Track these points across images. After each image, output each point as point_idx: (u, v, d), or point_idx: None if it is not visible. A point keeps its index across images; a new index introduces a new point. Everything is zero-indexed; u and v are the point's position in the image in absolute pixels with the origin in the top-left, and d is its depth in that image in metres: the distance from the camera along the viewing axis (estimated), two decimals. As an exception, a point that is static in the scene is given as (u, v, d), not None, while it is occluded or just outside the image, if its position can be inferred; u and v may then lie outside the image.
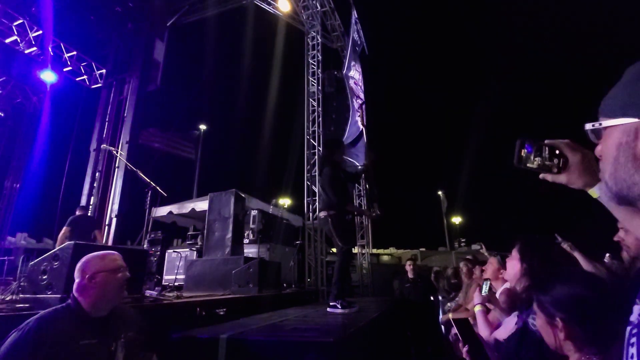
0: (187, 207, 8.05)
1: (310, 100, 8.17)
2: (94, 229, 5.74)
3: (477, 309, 1.84)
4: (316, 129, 7.96)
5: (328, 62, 8.97)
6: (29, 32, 6.39)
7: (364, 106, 8.37)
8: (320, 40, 8.64)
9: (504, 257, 2.07)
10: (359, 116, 8.04)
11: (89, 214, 6.15)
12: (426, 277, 4.89)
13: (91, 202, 7.08)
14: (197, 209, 7.74)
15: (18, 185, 8.21)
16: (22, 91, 7.75)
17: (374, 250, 12.57)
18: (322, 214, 3.28)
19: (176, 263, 6.19)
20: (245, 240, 5.99)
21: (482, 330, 1.74)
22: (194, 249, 6.28)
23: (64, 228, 5.60)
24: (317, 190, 7.00)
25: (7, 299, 2.17)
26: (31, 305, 2.09)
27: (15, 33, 6.39)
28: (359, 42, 8.74)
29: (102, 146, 6.09)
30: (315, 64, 8.42)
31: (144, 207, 5.74)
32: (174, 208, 8.05)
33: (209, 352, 1.90)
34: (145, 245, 6.31)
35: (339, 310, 2.96)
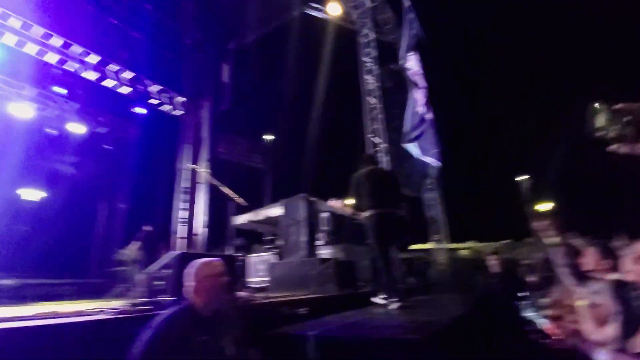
0: (262, 214, 8.62)
1: (368, 98, 8.15)
2: (160, 242, 6.78)
3: None
4: (378, 126, 7.91)
5: (384, 57, 8.82)
6: (123, 75, 7.54)
7: (427, 94, 8.05)
8: (373, 36, 8.56)
9: (604, 245, 1.86)
10: (423, 105, 7.76)
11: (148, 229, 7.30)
12: (512, 271, 4.53)
13: (180, 216, 7.99)
14: (271, 215, 8.25)
15: (124, 206, 9.73)
16: (122, 126, 9.16)
17: (451, 245, 11.94)
18: None
19: (258, 266, 6.69)
20: (320, 242, 6.21)
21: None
22: (273, 252, 6.71)
23: (136, 242, 6.89)
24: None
25: (133, 302, 2.62)
26: (152, 307, 2.49)
27: (113, 77, 7.57)
28: (414, 31, 8.45)
29: (188, 166, 6.91)
30: (370, 61, 8.37)
31: (226, 217, 6.33)
32: (251, 216, 8.69)
33: (298, 348, 2.06)
34: (230, 252, 6.94)
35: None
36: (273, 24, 8.73)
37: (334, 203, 3.97)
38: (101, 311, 2.41)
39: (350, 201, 3.78)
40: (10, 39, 6.65)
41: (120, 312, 2.41)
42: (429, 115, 7.88)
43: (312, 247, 6.13)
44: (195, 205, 7.64)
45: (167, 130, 8.93)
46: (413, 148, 7.18)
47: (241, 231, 9.02)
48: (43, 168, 8.61)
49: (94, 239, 9.59)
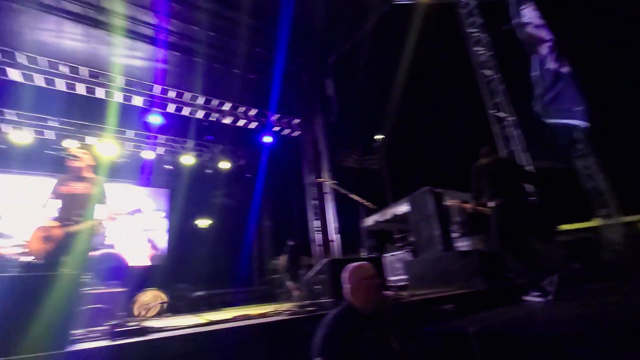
0: (388, 213, 8.73)
1: (483, 71, 7.38)
2: (301, 254, 7.48)
3: None
4: (501, 98, 7.08)
5: (492, 22, 7.87)
6: (250, 113, 8.92)
7: (557, 46, 6.82)
8: (474, 2, 7.76)
9: None
10: (554, 61, 6.61)
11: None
12: None
13: (315, 225, 8.78)
14: (398, 213, 8.27)
15: (269, 223, 11.33)
16: (255, 155, 10.75)
17: (627, 218, 9.50)
18: None
19: (394, 265, 6.80)
20: (455, 235, 5.92)
21: None
22: (407, 250, 6.72)
23: (285, 255, 7.84)
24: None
25: (300, 304, 3.09)
26: (316, 308, 2.90)
27: (242, 117, 9.01)
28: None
29: (316, 180, 7.64)
30: (476, 30, 7.60)
31: (356, 221, 6.66)
32: (378, 216, 8.89)
33: (458, 344, 2.07)
34: (363, 254, 7.25)
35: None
36: (365, 27, 8.86)
37: (453, 203, 3.85)
38: (279, 313, 2.93)
39: (470, 198, 3.62)
40: (171, 107, 8.68)
41: (292, 314, 2.88)
42: (565, 69, 6.63)
43: (447, 240, 5.89)
44: (326, 214, 8.32)
45: (291, 151, 10.03)
46: (550, 112, 6.16)
47: (371, 232, 9.32)
48: (207, 201, 10.80)
49: (251, 253, 11.43)
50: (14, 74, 6.94)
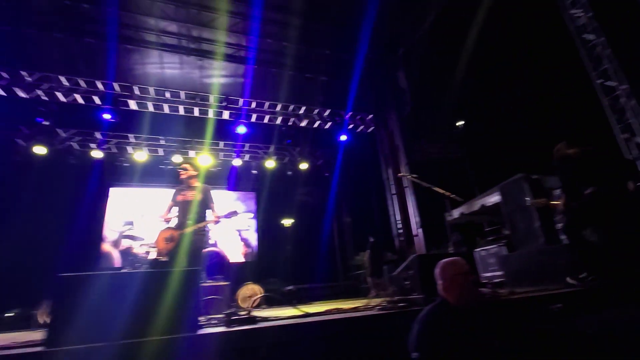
0: (476, 204, 8.11)
1: (583, 36, 6.39)
2: (383, 250, 7.64)
3: None
4: (607, 65, 6.05)
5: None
6: (325, 114, 9.19)
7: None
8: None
9: None
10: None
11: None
12: None
13: (397, 220, 8.64)
14: (487, 204, 7.63)
15: (349, 219, 11.53)
16: (332, 154, 11.05)
17: None
18: None
19: (488, 261, 6.32)
20: (560, 225, 5.25)
21: None
22: (500, 244, 6.20)
23: (367, 251, 7.93)
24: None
25: (390, 300, 3.13)
26: (407, 304, 2.90)
27: (317, 118, 9.32)
28: None
29: (397, 175, 7.53)
30: (571, -10, 6.62)
31: (439, 215, 6.37)
32: (464, 208, 8.34)
33: (573, 346, 1.89)
34: (450, 249, 6.91)
35: None
36: (432, 13, 8.38)
37: (538, 202, 3.53)
38: (371, 308, 3.02)
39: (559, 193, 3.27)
40: (253, 117, 9.44)
41: (383, 309, 2.94)
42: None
43: (550, 232, 5.25)
44: (408, 209, 8.14)
45: (367, 147, 10.06)
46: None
47: (457, 226, 8.80)
48: (290, 201, 11.46)
49: (334, 249, 11.78)
50: (132, 104, 8.37)
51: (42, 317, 5.54)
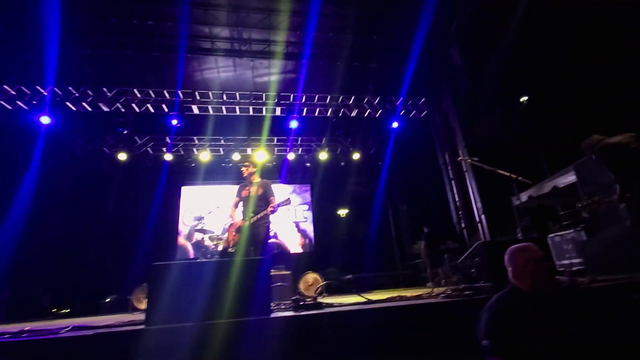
0: (546, 186, 7.45)
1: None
2: (439, 239, 7.49)
3: None
4: None
5: None
6: (375, 103, 9.06)
7: None
8: None
9: None
10: None
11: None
12: None
13: (457, 206, 8.28)
14: (560, 185, 6.97)
15: (406, 207, 11.31)
16: (384, 142, 10.89)
17: None
18: None
19: (563, 247, 5.80)
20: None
21: None
22: (577, 228, 5.65)
23: (422, 242, 7.99)
24: None
25: (455, 288, 3.08)
26: (473, 292, 2.83)
27: (366, 107, 9.22)
28: None
29: (457, 159, 7.20)
30: None
31: (504, 199, 5.97)
32: (532, 191, 7.71)
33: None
34: (519, 235, 6.45)
35: None
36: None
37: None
38: (435, 296, 3.00)
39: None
40: (304, 111, 9.65)
41: (447, 297, 2.90)
42: None
43: (637, 214, 4.66)
44: (469, 194, 7.76)
45: (420, 133, 9.72)
46: None
47: (525, 210, 8.17)
48: (344, 191, 11.56)
49: (390, 238, 11.66)
50: (194, 109, 9.07)
51: (137, 302, 6.34)
